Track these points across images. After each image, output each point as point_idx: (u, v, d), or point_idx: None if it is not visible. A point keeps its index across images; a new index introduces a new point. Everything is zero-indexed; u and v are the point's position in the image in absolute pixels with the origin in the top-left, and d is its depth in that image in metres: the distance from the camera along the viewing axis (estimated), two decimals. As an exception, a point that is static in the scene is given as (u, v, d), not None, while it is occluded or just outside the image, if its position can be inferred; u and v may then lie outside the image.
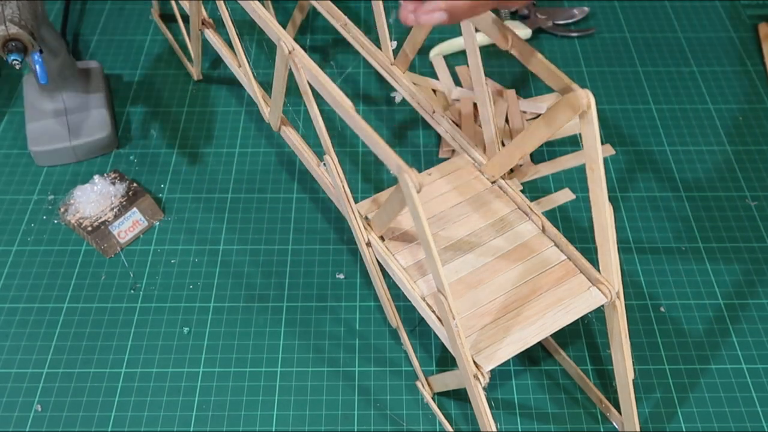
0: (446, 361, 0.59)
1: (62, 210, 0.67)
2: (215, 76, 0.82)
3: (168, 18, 0.87)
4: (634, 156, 0.74)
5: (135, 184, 0.69)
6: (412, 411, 0.56)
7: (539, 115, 0.76)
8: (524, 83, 0.81)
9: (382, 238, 0.52)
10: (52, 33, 0.68)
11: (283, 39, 0.50)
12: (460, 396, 0.57)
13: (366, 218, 0.53)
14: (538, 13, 0.89)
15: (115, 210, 0.66)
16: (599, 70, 0.83)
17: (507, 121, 0.75)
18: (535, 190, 0.70)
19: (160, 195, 0.70)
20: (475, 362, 0.45)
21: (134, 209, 0.67)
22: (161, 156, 0.74)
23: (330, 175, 0.51)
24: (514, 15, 0.90)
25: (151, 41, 0.86)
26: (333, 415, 0.56)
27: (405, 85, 0.62)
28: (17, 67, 0.61)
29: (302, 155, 0.58)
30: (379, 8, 0.61)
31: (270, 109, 0.59)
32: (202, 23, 0.69)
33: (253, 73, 0.62)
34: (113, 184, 0.68)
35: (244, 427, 0.55)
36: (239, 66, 0.63)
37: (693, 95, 0.80)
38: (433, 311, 0.47)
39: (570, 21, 0.88)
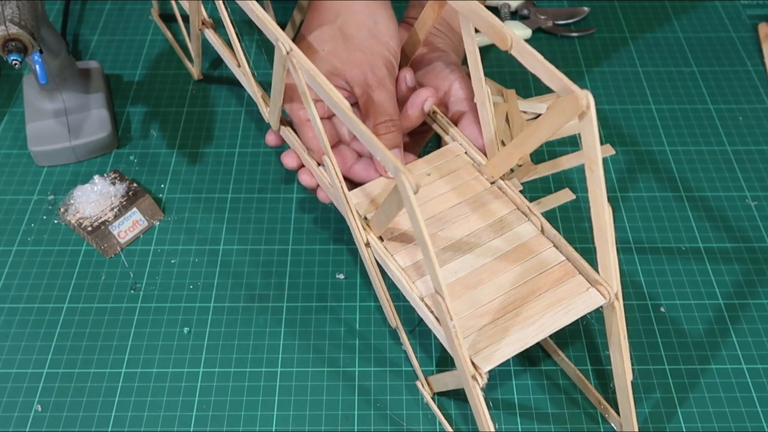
0: (446, 361, 0.59)
1: (62, 210, 0.67)
2: (215, 76, 0.82)
3: (167, 18, 0.88)
4: (634, 156, 0.74)
5: (135, 184, 0.69)
6: (412, 411, 0.56)
7: (539, 115, 0.76)
8: (524, 83, 0.81)
9: (381, 238, 0.52)
10: (51, 33, 0.68)
11: (281, 40, 0.49)
12: (459, 396, 0.57)
13: (365, 218, 0.53)
14: (538, 13, 0.89)
15: (115, 210, 0.66)
16: (599, 70, 0.83)
17: (507, 121, 0.75)
18: (535, 190, 0.70)
19: (160, 195, 0.70)
20: (473, 363, 0.45)
21: (134, 209, 0.67)
22: (161, 156, 0.74)
23: (328, 175, 0.51)
24: (515, 15, 0.90)
25: (151, 41, 0.86)
26: (333, 416, 0.56)
27: None
28: (17, 66, 0.61)
29: (302, 155, 0.58)
30: None
31: (269, 109, 0.59)
32: (202, 23, 0.69)
33: (252, 73, 0.62)
34: (113, 184, 0.68)
35: (244, 427, 0.55)
36: (239, 66, 0.63)
37: (693, 95, 0.80)
38: (432, 312, 0.47)
39: (570, 21, 0.88)
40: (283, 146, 0.62)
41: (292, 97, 0.57)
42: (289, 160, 0.60)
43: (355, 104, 0.60)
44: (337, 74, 0.57)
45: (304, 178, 0.59)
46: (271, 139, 0.61)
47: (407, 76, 0.59)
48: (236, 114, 0.78)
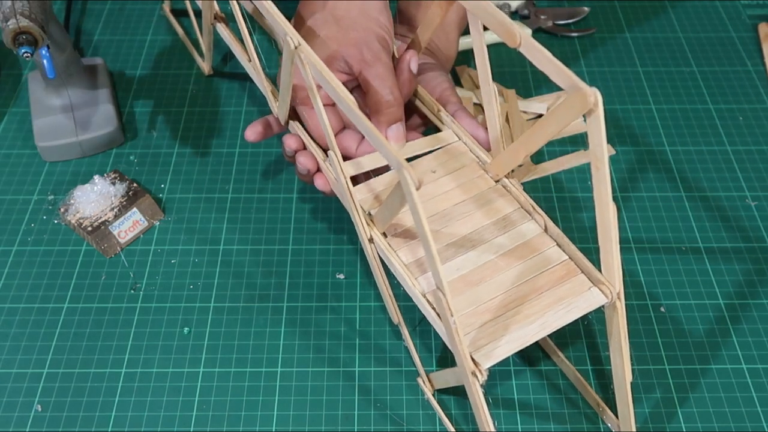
0: (446, 361, 0.59)
1: (62, 210, 0.67)
2: (216, 75, 0.82)
3: (177, 13, 0.88)
4: (634, 156, 0.74)
5: (135, 184, 0.69)
6: (412, 411, 0.56)
7: (540, 116, 0.76)
8: (524, 83, 0.81)
9: (384, 234, 0.52)
10: (58, 29, 0.68)
11: (290, 34, 0.50)
12: (460, 394, 0.56)
13: (369, 214, 0.53)
14: (538, 13, 0.89)
15: (115, 210, 0.66)
16: (599, 70, 0.83)
17: (507, 121, 0.75)
18: (535, 190, 0.70)
19: (160, 195, 0.70)
20: (473, 359, 0.45)
21: (134, 209, 0.67)
22: (161, 156, 0.74)
23: (333, 170, 0.51)
24: (515, 15, 0.90)
25: (151, 41, 0.86)
26: (333, 415, 0.56)
27: None
28: (28, 59, 0.61)
29: (311, 147, 0.58)
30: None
31: (278, 104, 0.60)
32: (215, 17, 0.69)
33: (263, 67, 0.62)
34: (113, 184, 0.68)
35: (245, 427, 0.55)
36: (249, 60, 0.63)
37: (693, 95, 0.80)
38: (433, 308, 0.47)
39: (570, 21, 0.89)
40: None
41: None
42: (291, 142, 0.60)
43: (356, 87, 0.60)
44: (336, 57, 0.58)
45: (302, 160, 0.59)
46: (250, 134, 0.62)
47: (411, 61, 0.59)
48: (236, 114, 0.78)
